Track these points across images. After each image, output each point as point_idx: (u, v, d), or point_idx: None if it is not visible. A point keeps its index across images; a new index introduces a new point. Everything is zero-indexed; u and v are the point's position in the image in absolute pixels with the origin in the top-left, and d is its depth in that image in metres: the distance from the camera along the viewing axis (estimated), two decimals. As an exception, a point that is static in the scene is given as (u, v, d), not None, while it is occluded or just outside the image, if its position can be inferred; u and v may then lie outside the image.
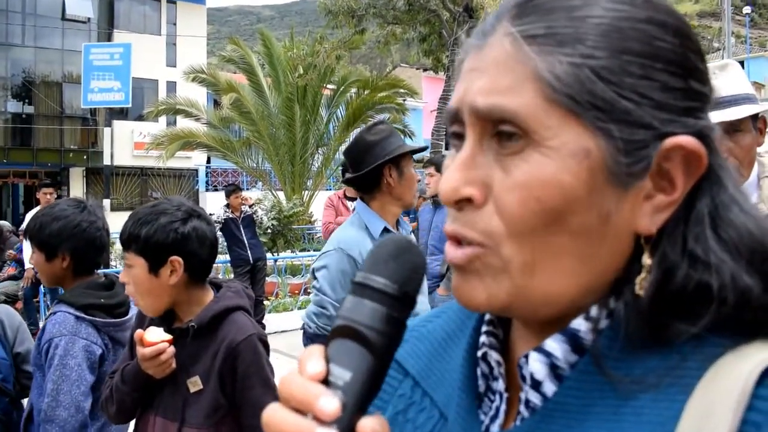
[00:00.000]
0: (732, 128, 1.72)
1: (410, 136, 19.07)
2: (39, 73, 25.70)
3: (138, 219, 1.77)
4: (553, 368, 0.55)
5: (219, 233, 5.75)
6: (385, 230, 2.55)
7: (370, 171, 2.52)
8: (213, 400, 1.74)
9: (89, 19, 25.83)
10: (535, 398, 0.56)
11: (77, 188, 25.92)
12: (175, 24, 28.67)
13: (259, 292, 8.50)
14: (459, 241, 0.56)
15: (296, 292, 10.38)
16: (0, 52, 24.86)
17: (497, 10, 0.58)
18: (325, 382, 0.49)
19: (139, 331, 1.72)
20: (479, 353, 0.63)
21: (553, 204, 0.52)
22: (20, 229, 10.54)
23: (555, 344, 0.55)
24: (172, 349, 1.72)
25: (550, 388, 0.56)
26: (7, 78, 25.23)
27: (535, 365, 0.56)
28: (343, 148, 18.58)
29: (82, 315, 2.11)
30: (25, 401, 2.50)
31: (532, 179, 0.52)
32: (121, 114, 24.69)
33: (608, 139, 0.51)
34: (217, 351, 1.76)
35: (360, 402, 0.49)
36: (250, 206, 8.90)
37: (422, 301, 2.61)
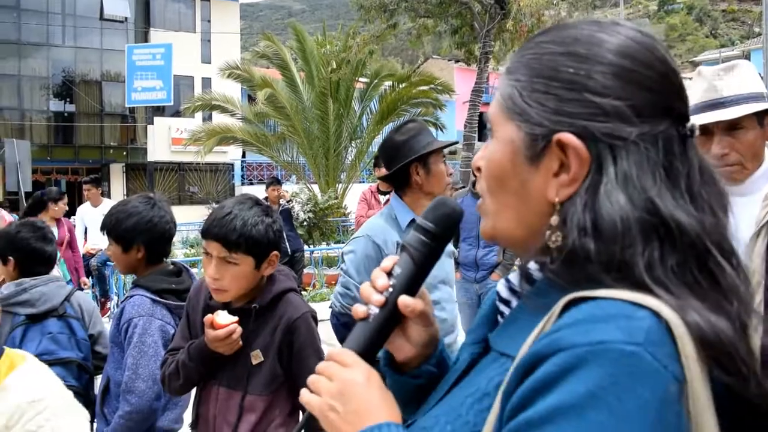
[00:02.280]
0: (733, 126, 1.87)
1: (441, 129, 19.17)
2: (79, 72, 26.41)
3: (244, 222, 1.90)
4: (516, 292, 0.85)
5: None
6: (413, 222, 2.63)
7: (399, 170, 2.68)
8: (272, 371, 1.96)
9: (126, 18, 26.39)
10: (506, 311, 0.87)
11: (117, 184, 26.60)
12: (209, 21, 29.14)
13: (297, 282, 8.73)
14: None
15: (332, 282, 10.60)
16: (41, 52, 25.59)
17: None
18: (390, 273, 0.91)
19: (209, 316, 1.91)
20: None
21: (494, 170, 0.83)
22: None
23: (514, 275, 0.85)
24: (240, 329, 1.92)
25: (515, 305, 0.85)
26: (48, 78, 25.95)
27: (500, 286, 0.89)
28: (377, 141, 18.77)
29: (157, 298, 2.37)
30: (96, 379, 2.76)
31: (488, 155, 0.84)
32: (159, 110, 25.21)
33: (520, 133, 0.79)
34: (276, 327, 1.97)
35: (404, 287, 0.90)
36: (288, 201, 9.15)
37: (447, 291, 2.78)
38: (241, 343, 1.95)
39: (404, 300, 0.88)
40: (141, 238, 2.42)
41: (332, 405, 0.83)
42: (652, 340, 0.62)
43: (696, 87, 1.97)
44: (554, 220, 0.75)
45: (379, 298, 0.89)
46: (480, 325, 0.92)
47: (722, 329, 0.66)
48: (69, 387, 2.53)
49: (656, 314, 0.64)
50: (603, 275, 0.69)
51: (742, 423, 0.68)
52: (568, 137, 0.74)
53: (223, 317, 1.90)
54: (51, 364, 2.51)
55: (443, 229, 0.91)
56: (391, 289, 0.89)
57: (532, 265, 0.80)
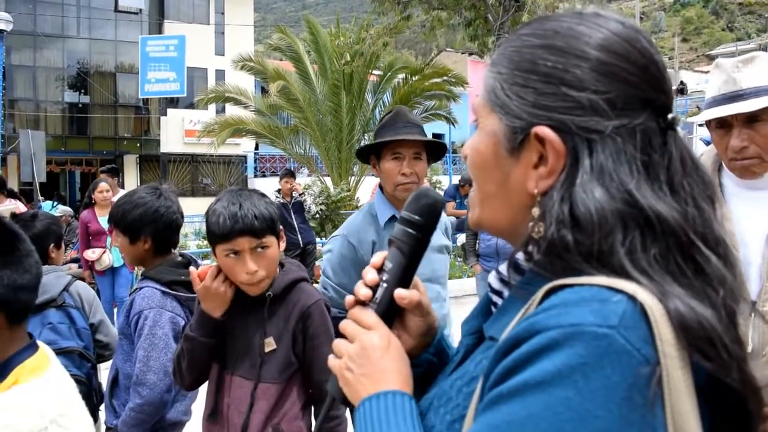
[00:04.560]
0: (753, 118, 1.83)
1: (453, 123, 19.14)
2: (93, 64, 26.50)
3: (257, 206, 1.91)
4: (507, 283, 0.84)
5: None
6: (393, 218, 2.55)
7: (366, 160, 2.65)
8: (285, 358, 1.97)
9: (141, 10, 26.46)
10: (499, 301, 0.87)
11: (131, 175, 26.71)
12: (222, 13, 29.14)
13: (309, 274, 8.76)
14: None
15: (345, 275, 10.61)
16: (56, 43, 25.70)
17: None
18: (382, 269, 0.93)
19: (192, 271, 1.95)
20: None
21: (477, 161, 0.84)
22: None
23: (503, 267, 0.85)
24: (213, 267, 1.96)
25: (506, 295, 0.85)
26: (63, 69, 26.07)
27: (491, 278, 0.89)
28: (389, 134, 18.69)
29: (167, 290, 2.35)
30: (99, 368, 2.77)
31: (473, 145, 0.85)
32: (172, 102, 25.28)
33: (501, 125, 0.81)
34: (290, 314, 1.99)
35: (397, 280, 0.92)
36: (300, 194, 9.16)
37: (433, 289, 2.69)
38: (232, 287, 1.96)
39: (400, 293, 0.91)
40: (147, 229, 2.40)
41: (349, 365, 0.87)
42: (626, 324, 0.63)
43: (714, 79, 1.93)
44: (535, 211, 0.76)
45: (367, 293, 0.92)
46: (475, 316, 0.93)
47: (705, 316, 0.67)
48: (71, 376, 2.54)
49: (632, 298, 0.65)
50: (583, 265, 0.70)
51: (724, 408, 0.70)
52: (544, 131, 0.75)
53: (200, 268, 1.97)
54: None
55: (428, 219, 0.94)
56: (385, 285, 0.92)
57: (520, 256, 0.80)
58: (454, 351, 1.00)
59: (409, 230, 0.93)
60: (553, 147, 0.75)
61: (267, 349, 1.97)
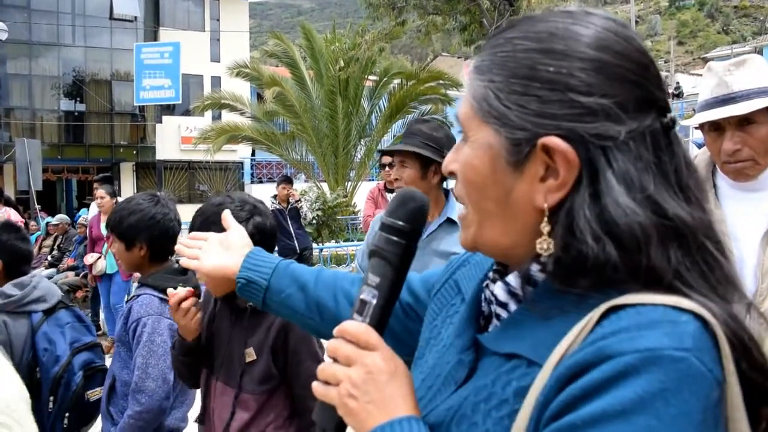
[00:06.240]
0: (745, 121, 1.84)
1: (449, 127, 19.13)
2: (89, 72, 26.53)
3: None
4: (514, 295, 0.79)
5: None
6: (448, 220, 2.61)
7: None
8: (265, 370, 1.95)
9: (136, 17, 26.47)
10: (503, 313, 0.80)
11: (128, 182, 26.70)
12: (218, 20, 29.17)
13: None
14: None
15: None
16: (52, 52, 25.72)
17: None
18: (366, 283, 0.84)
19: (170, 292, 1.98)
20: (484, 284, 0.87)
21: (472, 177, 0.77)
22: (76, 221, 11.04)
23: (512, 278, 0.79)
24: (192, 298, 1.98)
25: (513, 308, 0.79)
26: (59, 77, 26.09)
27: (497, 290, 0.81)
28: (386, 138, 18.75)
29: (165, 297, 2.35)
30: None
31: (463, 160, 0.78)
32: (168, 109, 25.26)
33: (500, 137, 0.74)
34: (271, 326, 1.97)
35: (387, 295, 0.82)
36: (297, 201, 9.17)
37: None
38: (199, 315, 2.01)
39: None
40: (143, 236, 2.40)
41: (352, 393, 0.76)
42: (699, 346, 0.62)
43: (706, 83, 1.94)
44: (545, 227, 0.72)
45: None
46: (464, 330, 0.86)
47: (744, 325, 0.66)
48: (99, 368, 2.62)
49: (698, 317, 0.64)
50: (630, 281, 0.67)
51: (754, 414, 0.68)
52: (554, 141, 0.70)
53: (179, 290, 1.99)
54: (80, 350, 2.57)
55: (416, 225, 0.85)
56: (374, 300, 0.82)
57: (534, 267, 0.75)
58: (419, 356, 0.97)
59: (395, 238, 0.83)
60: (565, 158, 0.70)
61: (248, 359, 1.96)
